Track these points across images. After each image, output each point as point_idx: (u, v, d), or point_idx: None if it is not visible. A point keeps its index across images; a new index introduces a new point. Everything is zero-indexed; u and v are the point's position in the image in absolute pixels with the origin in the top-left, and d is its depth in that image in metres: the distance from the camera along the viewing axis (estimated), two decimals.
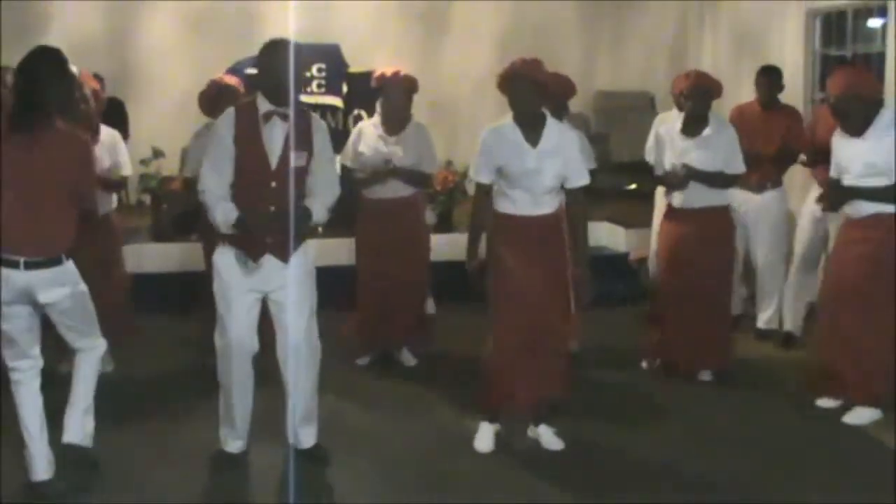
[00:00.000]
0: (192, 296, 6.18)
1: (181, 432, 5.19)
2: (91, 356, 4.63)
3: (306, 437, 4.84)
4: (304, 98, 8.42)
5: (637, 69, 10.92)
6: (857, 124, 5.33)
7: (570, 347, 6.26)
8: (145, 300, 6.73)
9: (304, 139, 4.56)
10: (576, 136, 5.06)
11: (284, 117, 4.51)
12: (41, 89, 4.29)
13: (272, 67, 4.51)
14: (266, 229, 4.49)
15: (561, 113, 5.81)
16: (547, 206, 4.92)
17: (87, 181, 4.47)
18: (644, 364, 6.29)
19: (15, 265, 4.22)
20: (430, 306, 6.68)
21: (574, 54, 10.56)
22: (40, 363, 4.46)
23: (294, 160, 4.51)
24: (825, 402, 5.63)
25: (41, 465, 4.39)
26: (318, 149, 4.62)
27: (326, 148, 4.72)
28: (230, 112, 4.60)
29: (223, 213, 4.48)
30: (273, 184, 4.51)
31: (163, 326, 6.87)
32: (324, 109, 8.50)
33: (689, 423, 5.49)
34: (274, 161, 4.51)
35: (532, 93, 4.80)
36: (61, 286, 4.34)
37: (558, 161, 4.84)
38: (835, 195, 5.45)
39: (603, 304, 7.48)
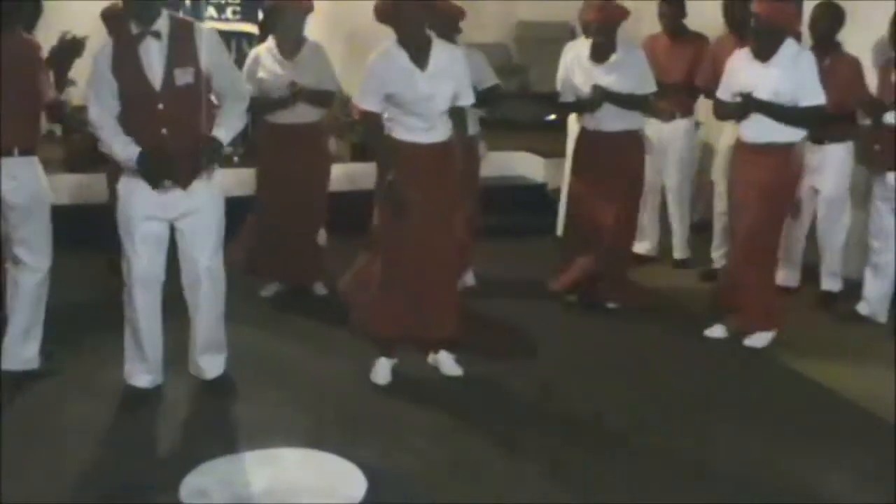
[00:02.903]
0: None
1: (88, 367, 5.14)
2: (32, 276, 4.85)
3: (211, 367, 4.82)
4: (217, 25, 8.26)
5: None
6: (770, 48, 5.36)
7: (466, 281, 6.32)
8: (57, 233, 6.58)
9: (187, 54, 4.43)
10: (462, 55, 4.99)
11: (157, 35, 4.39)
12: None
13: None
14: (167, 166, 4.41)
15: (453, 36, 5.78)
16: (440, 132, 4.85)
17: (41, 80, 4.77)
18: (561, 295, 6.31)
19: None
20: (321, 236, 6.61)
21: None
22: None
23: (179, 78, 4.41)
24: (716, 332, 5.76)
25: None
26: (213, 61, 4.50)
27: (220, 57, 4.61)
28: (108, 43, 4.48)
29: (123, 148, 4.42)
30: (160, 105, 4.41)
31: (73, 259, 6.73)
32: (239, 37, 8.36)
33: (589, 352, 5.58)
34: (157, 83, 4.40)
35: (418, 14, 4.72)
36: (11, 178, 4.66)
37: (449, 83, 4.78)
38: (745, 107, 5.43)
39: (520, 234, 7.67)
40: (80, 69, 4.94)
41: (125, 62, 4.40)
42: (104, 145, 4.50)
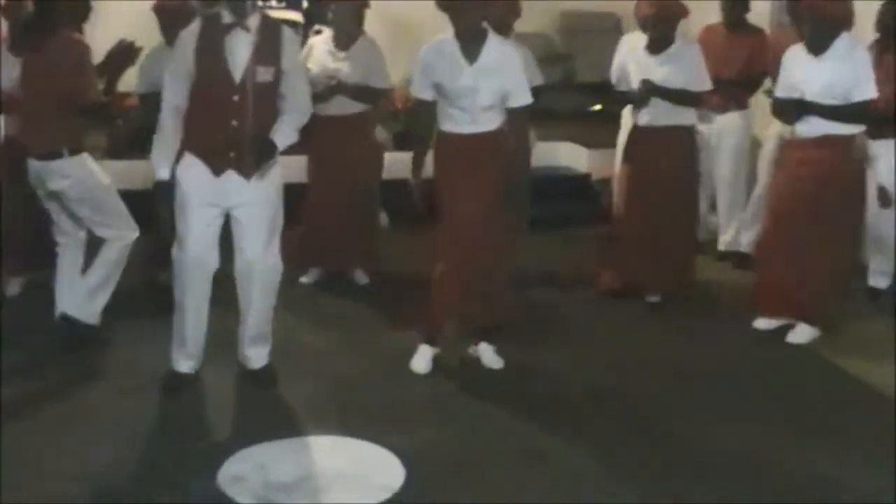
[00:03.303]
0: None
1: (127, 350, 5.16)
2: (112, 245, 5.10)
3: (256, 357, 4.81)
4: None
5: None
6: (823, 42, 5.27)
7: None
8: None
9: (271, 53, 4.45)
10: (517, 54, 4.93)
11: (248, 30, 4.41)
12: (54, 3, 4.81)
13: None
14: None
15: (506, 34, 5.73)
16: (485, 124, 4.82)
17: (86, 82, 4.81)
18: (601, 286, 6.26)
19: (33, 156, 4.88)
20: (382, 219, 6.62)
21: None
22: (79, 239, 5.15)
23: (260, 75, 4.42)
24: (762, 324, 5.69)
25: (61, 301, 5.10)
26: (289, 66, 4.51)
27: (297, 65, 4.63)
28: (196, 24, 4.50)
29: (158, 162, 4.51)
30: (236, 98, 4.42)
31: None
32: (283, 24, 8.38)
33: (633, 344, 5.54)
34: (238, 75, 4.41)
35: (472, 7, 4.69)
36: (65, 177, 4.87)
37: (497, 79, 4.73)
38: (798, 110, 5.35)
39: (563, 225, 7.63)
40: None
41: (210, 49, 4.41)
42: (156, 133, 4.54)
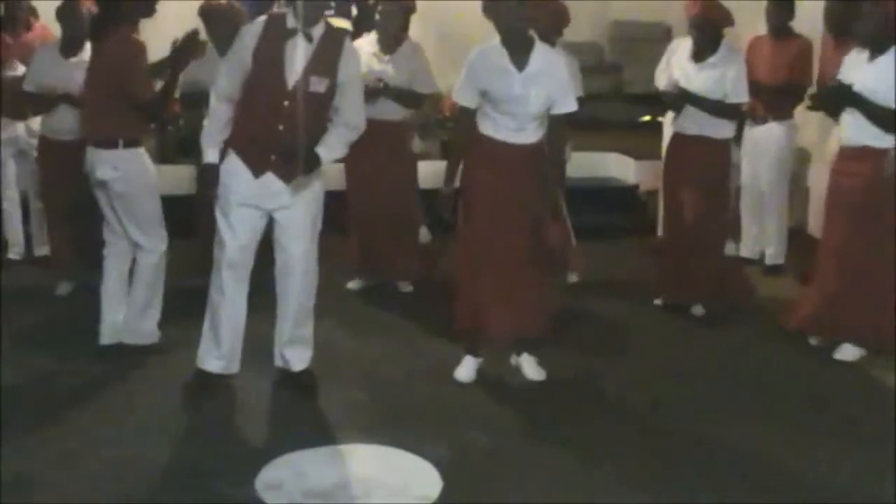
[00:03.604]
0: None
1: (171, 355, 5.15)
2: (148, 257, 5.10)
3: (296, 360, 4.80)
4: None
5: None
6: (881, 42, 5.16)
7: (569, 279, 6.27)
8: None
9: (328, 65, 4.44)
10: (564, 61, 4.89)
11: (309, 38, 4.41)
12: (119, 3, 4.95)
13: None
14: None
15: (553, 41, 5.70)
16: (530, 134, 4.78)
17: (134, 80, 4.88)
18: (657, 301, 6.23)
19: (91, 143, 5.00)
20: (424, 234, 6.59)
21: None
22: (127, 240, 5.10)
23: (313, 84, 4.41)
24: (815, 340, 5.57)
25: (105, 331, 5.11)
26: (345, 78, 4.49)
27: (354, 79, 4.59)
28: (259, 22, 4.51)
29: (207, 145, 4.55)
30: (286, 103, 4.42)
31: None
32: None
33: (674, 357, 5.48)
34: (291, 81, 4.41)
35: (519, 14, 4.65)
36: (114, 168, 4.91)
37: (544, 86, 4.69)
38: (836, 96, 5.29)
39: (610, 235, 7.59)
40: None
41: (269, 51, 4.42)
42: (206, 119, 4.60)
